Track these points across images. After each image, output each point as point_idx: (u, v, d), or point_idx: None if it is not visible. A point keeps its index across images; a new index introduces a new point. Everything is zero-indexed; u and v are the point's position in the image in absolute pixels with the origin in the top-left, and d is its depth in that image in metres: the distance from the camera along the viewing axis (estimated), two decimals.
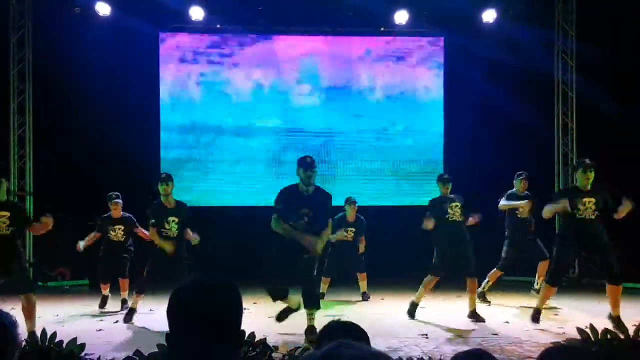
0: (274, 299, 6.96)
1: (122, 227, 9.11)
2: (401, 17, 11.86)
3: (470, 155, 11.62)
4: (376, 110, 12.50)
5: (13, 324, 2.04)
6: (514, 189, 9.22)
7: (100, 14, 11.21)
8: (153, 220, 7.96)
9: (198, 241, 8.09)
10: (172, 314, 1.81)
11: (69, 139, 11.16)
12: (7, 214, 6.76)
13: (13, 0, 11.34)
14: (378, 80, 12.51)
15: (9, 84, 11.39)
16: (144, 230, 8.85)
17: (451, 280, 8.59)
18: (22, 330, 2.17)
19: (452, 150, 12.31)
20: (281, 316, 7.00)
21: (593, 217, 7.14)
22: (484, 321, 7.83)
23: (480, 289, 9.04)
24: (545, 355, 2.02)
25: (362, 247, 10.04)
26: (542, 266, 9.11)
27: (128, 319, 7.98)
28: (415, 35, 12.55)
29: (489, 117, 11.95)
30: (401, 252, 10.91)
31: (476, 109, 12.04)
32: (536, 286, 9.23)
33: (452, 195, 8.33)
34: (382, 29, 12.44)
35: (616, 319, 6.85)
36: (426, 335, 6.89)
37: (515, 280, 10.24)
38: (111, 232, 9.09)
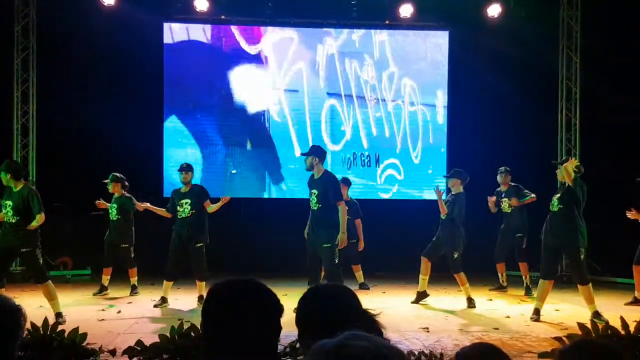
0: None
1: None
2: (406, 10, 11.83)
3: (473, 149, 11.59)
4: (379, 108, 12.49)
5: (15, 310, 2.05)
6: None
7: (105, 3, 11.16)
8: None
9: (219, 207, 8.75)
10: (208, 314, 1.85)
11: (72, 128, 11.16)
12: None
13: None
14: (382, 73, 12.47)
15: (12, 73, 11.37)
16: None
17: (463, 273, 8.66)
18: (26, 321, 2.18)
19: (455, 145, 12.29)
20: None
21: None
22: None
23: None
24: (562, 353, 2.02)
25: (361, 245, 10.08)
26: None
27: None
28: (420, 28, 12.53)
29: (492, 111, 11.94)
30: (402, 245, 10.90)
31: (479, 104, 12.02)
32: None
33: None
34: (387, 22, 12.40)
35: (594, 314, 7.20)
36: (427, 329, 6.91)
37: (516, 275, 10.28)
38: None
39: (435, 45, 12.56)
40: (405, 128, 12.53)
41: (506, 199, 9.87)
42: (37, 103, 11.51)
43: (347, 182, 10.01)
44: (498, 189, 10.06)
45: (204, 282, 8.52)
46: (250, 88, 12.24)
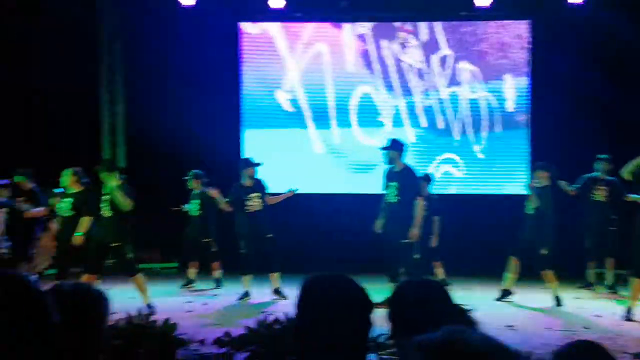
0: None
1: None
2: (483, 0, 11.49)
3: (560, 143, 11.16)
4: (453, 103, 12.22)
5: (99, 296, 2.11)
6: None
7: (183, 4, 11.40)
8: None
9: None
10: (302, 309, 1.89)
11: (156, 128, 11.50)
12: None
13: None
14: (459, 67, 12.19)
15: (100, 76, 11.83)
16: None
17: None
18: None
19: (540, 139, 11.89)
20: None
21: None
22: None
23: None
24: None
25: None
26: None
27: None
28: (499, 19, 12.19)
29: (578, 104, 11.45)
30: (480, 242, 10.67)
31: (565, 96, 11.56)
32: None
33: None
34: (463, 13, 12.11)
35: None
36: (513, 327, 6.76)
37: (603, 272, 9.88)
38: None
39: (515, 36, 12.15)
40: (464, 117, 12.06)
41: (604, 188, 9.41)
42: (124, 103, 11.95)
43: (428, 179, 9.90)
44: (592, 175, 9.51)
45: (278, 274, 8.64)
46: (326, 83, 12.24)
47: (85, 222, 7.92)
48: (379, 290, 7.10)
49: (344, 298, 1.85)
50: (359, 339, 1.86)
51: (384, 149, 8.02)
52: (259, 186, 8.85)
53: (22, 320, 1.20)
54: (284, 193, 9.07)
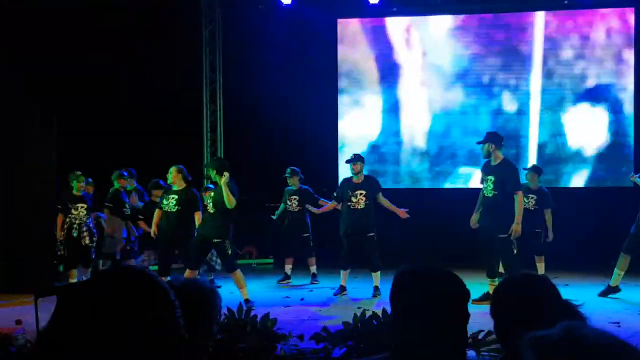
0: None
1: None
2: None
3: None
4: (553, 93, 11.87)
5: (212, 293, 2.21)
6: None
7: (284, 3, 11.65)
8: (335, 194, 9.01)
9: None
10: (398, 302, 1.89)
11: (254, 126, 11.81)
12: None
13: None
14: (557, 57, 11.84)
15: (201, 74, 12.24)
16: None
17: None
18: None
19: None
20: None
21: None
22: None
23: None
24: None
25: None
26: None
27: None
28: (601, 7, 11.72)
29: None
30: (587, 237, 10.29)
31: None
32: None
33: None
34: (565, 2, 11.73)
35: None
36: (618, 323, 6.50)
37: None
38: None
39: (619, 24, 11.65)
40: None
41: None
42: (223, 102, 12.32)
43: (537, 170, 9.65)
44: None
45: (379, 272, 8.64)
46: (424, 82, 12.18)
47: (197, 218, 8.22)
48: (476, 286, 7.14)
49: (439, 288, 1.84)
50: (457, 332, 1.84)
51: (480, 142, 7.90)
52: (366, 184, 8.78)
53: (158, 322, 1.22)
54: (399, 209, 8.80)
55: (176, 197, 8.34)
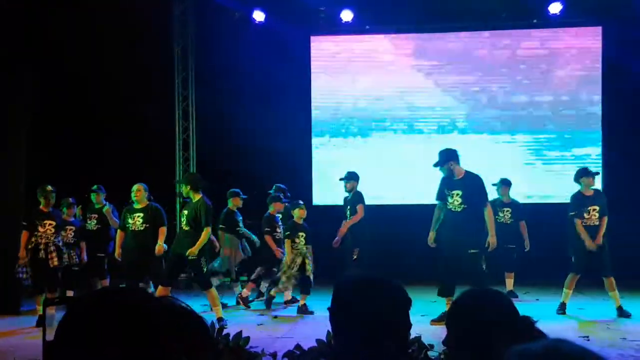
0: (442, 296, 7.30)
1: None
2: (555, 8, 11.41)
3: (634, 154, 10.81)
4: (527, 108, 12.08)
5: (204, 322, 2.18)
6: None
7: (256, 21, 11.72)
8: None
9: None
10: (334, 310, 1.90)
11: (227, 143, 11.78)
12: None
13: (177, 12, 12.13)
14: (528, 76, 12.06)
15: (174, 92, 12.21)
16: None
17: None
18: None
19: (612, 149, 11.51)
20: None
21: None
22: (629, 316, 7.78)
23: None
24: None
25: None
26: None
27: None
28: (570, 26, 11.98)
29: None
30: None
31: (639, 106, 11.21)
32: None
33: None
34: (534, 21, 11.99)
35: None
36: (587, 337, 6.60)
37: None
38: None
39: (587, 42, 11.91)
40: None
41: None
42: (196, 119, 12.29)
43: (507, 183, 9.75)
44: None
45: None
46: (403, 97, 12.28)
47: (163, 233, 8.17)
48: (433, 304, 7.20)
49: (379, 297, 1.85)
50: (398, 339, 1.86)
51: (435, 165, 7.67)
52: (353, 198, 9.08)
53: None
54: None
55: (142, 214, 8.26)
